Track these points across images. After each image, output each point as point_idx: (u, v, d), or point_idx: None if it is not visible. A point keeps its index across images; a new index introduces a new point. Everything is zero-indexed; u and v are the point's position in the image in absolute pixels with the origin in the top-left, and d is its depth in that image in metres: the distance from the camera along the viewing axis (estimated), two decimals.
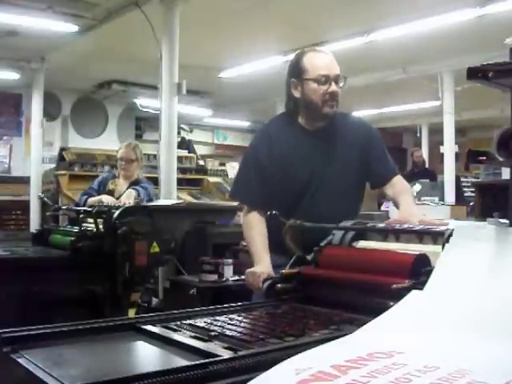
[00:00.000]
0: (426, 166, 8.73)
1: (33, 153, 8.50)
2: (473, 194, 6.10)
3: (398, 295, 1.04)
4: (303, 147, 2.04)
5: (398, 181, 2.08)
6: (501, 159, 1.02)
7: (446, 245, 1.08)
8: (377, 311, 1.00)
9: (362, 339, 0.85)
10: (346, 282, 1.34)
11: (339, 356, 0.73)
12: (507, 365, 0.73)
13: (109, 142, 10.22)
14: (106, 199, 3.60)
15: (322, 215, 1.75)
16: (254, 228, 2.02)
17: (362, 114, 11.49)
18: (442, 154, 8.35)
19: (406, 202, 1.95)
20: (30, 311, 2.38)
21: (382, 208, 6.95)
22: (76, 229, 3.01)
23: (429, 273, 1.10)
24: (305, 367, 0.69)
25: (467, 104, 9.18)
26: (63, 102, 10.25)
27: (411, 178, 7.82)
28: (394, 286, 1.10)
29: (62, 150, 8.89)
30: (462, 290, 0.96)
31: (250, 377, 0.74)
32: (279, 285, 1.45)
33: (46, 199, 6.21)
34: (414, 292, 1.01)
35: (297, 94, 2.02)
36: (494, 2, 5.35)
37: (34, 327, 1.04)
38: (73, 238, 2.83)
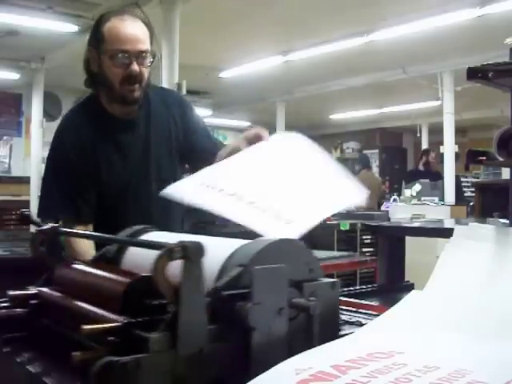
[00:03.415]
0: (420, 167, 8.03)
1: (33, 153, 8.51)
2: (473, 194, 6.10)
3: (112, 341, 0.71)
4: (119, 143, 1.67)
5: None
6: (501, 159, 1.02)
7: (446, 244, 1.08)
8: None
9: (362, 339, 0.85)
10: (67, 311, 0.87)
11: (339, 356, 0.73)
12: (507, 365, 0.73)
13: None
14: None
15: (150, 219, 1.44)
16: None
17: (361, 114, 11.53)
18: (442, 154, 8.35)
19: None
20: None
21: (382, 208, 6.96)
22: None
23: (160, 307, 0.73)
24: (305, 367, 0.69)
25: (467, 104, 9.18)
26: (63, 101, 10.24)
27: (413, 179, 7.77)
28: (85, 327, 0.72)
29: None
30: (462, 290, 0.96)
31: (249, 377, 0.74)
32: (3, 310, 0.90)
33: None
34: (413, 292, 1.01)
35: (95, 67, 1.61)
36: (494, 2, 5.36)
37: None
38: None
